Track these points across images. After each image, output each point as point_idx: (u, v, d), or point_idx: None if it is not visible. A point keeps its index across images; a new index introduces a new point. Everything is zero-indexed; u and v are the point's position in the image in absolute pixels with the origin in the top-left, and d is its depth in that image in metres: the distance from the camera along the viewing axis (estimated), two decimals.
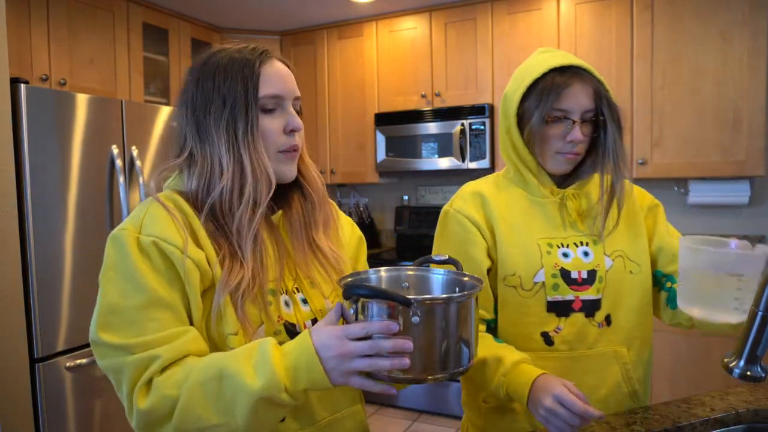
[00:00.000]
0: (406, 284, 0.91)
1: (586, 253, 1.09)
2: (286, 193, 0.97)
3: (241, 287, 0.82)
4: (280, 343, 0.80)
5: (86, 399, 2.30)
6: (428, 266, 0.96)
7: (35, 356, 2.12)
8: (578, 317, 1.07)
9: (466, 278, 0.89)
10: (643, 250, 1.12)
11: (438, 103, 3.32)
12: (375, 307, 0.73)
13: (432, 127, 3.27)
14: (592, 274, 1.08)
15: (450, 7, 3.28)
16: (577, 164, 1.12)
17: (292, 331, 0.87)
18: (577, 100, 1.04)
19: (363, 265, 1.08)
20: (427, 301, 0.74)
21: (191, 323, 0.82)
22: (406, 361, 0.71)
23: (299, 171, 0.96)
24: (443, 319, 0.75)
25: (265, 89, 0.87)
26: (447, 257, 0.96)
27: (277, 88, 0.88)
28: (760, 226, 2.96)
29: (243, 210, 0.85)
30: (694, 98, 2.74)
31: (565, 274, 1.07)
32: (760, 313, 0.75)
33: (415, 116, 3.33)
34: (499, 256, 1.10)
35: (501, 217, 1.11)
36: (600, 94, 1.05)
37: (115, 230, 0.82)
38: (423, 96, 3.35)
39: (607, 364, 1.07)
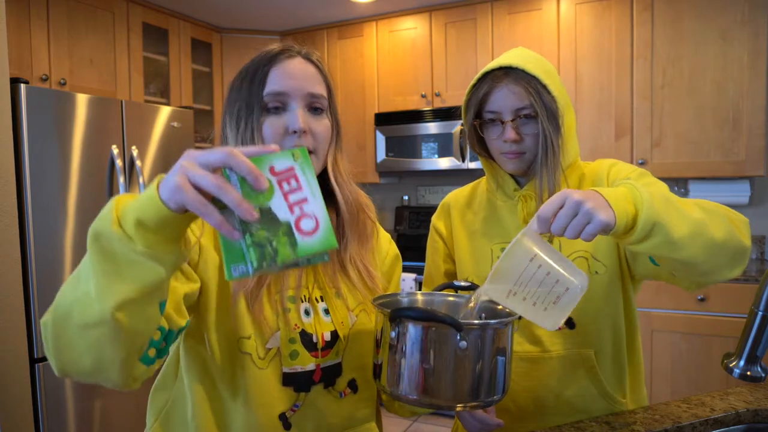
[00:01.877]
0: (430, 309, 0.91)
1: None
2: None
3: (250, 285, 0.81)
4: (293, 354, 0.83)
5: (86, 399, 2.30)
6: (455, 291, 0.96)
7: (35, 356, 2.12)
8: (528, 321, 1.06)
9: (499, 306, 0.88)
10: (610, 248, 1.04)
11: (438, 103, 3.32)
12: (420, 330, 0.72)
13: (432, 127, 3.27)
14: None
15: (450, 7, 3.28)
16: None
17: (308, 340, 0.85)
18: (503, 100, 1.02)
19: (396, 283, 1.06)
20: (478, 327, 0.74)
21: (197, 311, 0.81)
22: (255, 215, 0.56)
23: (330, 186, 0.91)
24: (490, 344, 0.74)
25: (269, 87, 0.84)
26: (470, 283, 0.96)
27: (281, 86, 0.84)
28: (760, 226, 2.96)
29: None
30: (694, 98, 2.74)
31: None
32: (760, 313, 0.75)
33: (415, 116, 3.33)
34: (456, 262, 1.16)
35: (462, 226, 1.17)
36: (530, 91, 1.01)
37: None
38: (423, 96, 3.35)
39: (572, 367, 1.04)
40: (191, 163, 0.56)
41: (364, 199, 0.97)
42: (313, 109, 0.86)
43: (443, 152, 3.25)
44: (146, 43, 3.15)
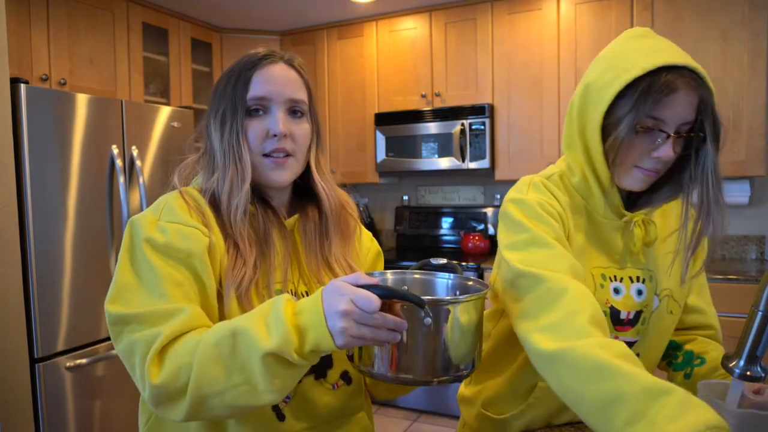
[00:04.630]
0: (405, 287, 0.91)
1: (639, 291, 0.97)
2: (304, 201, 0.98)
3: (244, 282, 0.83)
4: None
5: (86, 399, 2.30)
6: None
7: (35, 356, 2.12)
8: None
9: (470, 282, 0.88)
10: (686, 293, 1.03)
11: (438, 103, 3.32)
12: (386, 307, 0.73)
13: (432, 127, 3.27)
14: (637, 315, 0.97)
15: (450, 7, 3.28)
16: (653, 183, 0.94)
17: None
18: (678, 109, 0.85)
19: None
20: (441, 303, 0.74)
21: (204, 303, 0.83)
22: (399, 335, 0.71)
23: (313, 185, 0.96)
24: (455, 321, 0.75)
25: (252, 91, 0.88)
26: (446, 261, 0.96)
27: (264, 91, 0.88)
28: (760, 226, 2.96)
29: (227, 208, 0.87)
30: None
31: (614, 313, 0.96)
32: (760, 313, 0.75)
33: (415, 116, 3.33)
34: None
35: (569, 234, 0.97)
36: (704, 105, 0.85)
37: (136, 216, 0.85)
38: (423, 96, 3.35)
39: None
40: (353, 322, 0.68)
41: (346, 198, 1.01)
42: (294, 112, 0.91)
43: (443, 152, 3.25)
44: (146, 43, 3.15)
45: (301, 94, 0.92)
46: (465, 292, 0.88)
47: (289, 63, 0.92)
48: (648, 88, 0.84)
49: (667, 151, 0.86)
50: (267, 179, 0.90)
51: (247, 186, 0.87)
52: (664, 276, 0.99)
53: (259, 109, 0.89)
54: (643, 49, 0.88)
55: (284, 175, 0.91)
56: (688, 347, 1.05)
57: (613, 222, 0.96)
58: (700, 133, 0.87)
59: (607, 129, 0.89)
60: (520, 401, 1.04)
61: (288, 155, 0.90)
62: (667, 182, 0.95)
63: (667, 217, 1.03)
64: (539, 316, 0.82)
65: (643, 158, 0.89)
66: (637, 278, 0.98)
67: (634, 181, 0.92)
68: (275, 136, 0.88)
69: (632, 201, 0.98)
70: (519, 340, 1.04)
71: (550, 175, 1.00)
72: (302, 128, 0.92)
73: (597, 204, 0.96)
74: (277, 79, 0.89)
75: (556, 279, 0.84)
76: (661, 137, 0.86)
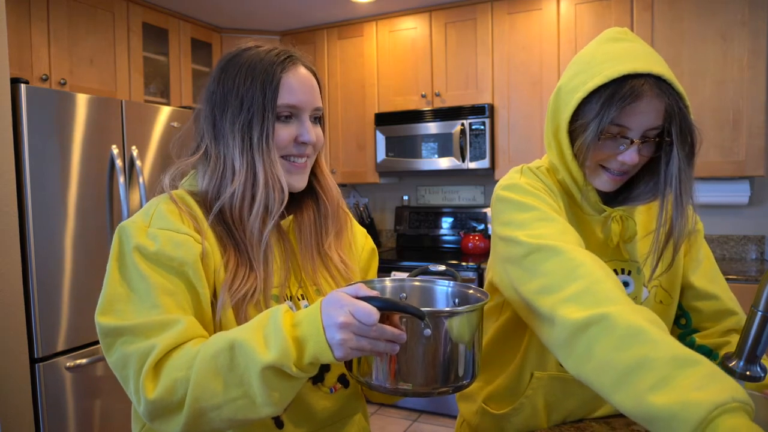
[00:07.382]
0: (404, 294, 0.91)
1: (626, 284, 0.99)
2: (299, 199, 0.97)
3: (247, 295, 0.82)
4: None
5: (86, 399, 2.30)
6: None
7: (35, 356, 2.12)
8: None
9: (471, 290, 0.88)
10: (677, 281, 1.03)
11: (438, 103, 3.32)
12: (385, 318, 0.72)
13: (432, 127, 3.27)
14: None
15: (450, 7, 3.28)
16: (629, 182, 0.97)
17: None
18: (643, 116, 0.86)
19: (373, 276, 1.07)
20: (441, 314, 0.73)
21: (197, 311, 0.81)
22: (398, 347, 0.71)
23: (316, 179, 0.96)
24: (455, 332, 0.74)
25: (283, 98, 0.86)
26: (444, 268, 0.95)
27: (296, 99, 0.87)
28: (760, 226, 2.96)
29: (254, 218, 0.85)
30: (694, 98, 2.74)
31: None
32: (760, 313, 0.75)
33: (415, 116, 3.33)
34: None
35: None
36: (671, 111, 0.86)
37: (125, 221, 0.82)
38: (423, 96, 3.35)
39: None
40: (352, 334, 0.68)
41: (339, 192, 1.01)
42: (314, 119, 0.92)
43: (443, 152, 3.25)
44: (146, 43, 3.15)
45: (321, 102, 0.92)
46: (465, 300, 0.87)
47: (310, 69, 0.91)
48: (611, 96, 0.86)
49: (632, 156, 0.89)
50: (288, 185, 0.89)
51: (284, 201, 0.86)
52: (649, 266, 0.99)
53: (290, 115, 0.87)
54: (612, 55, 0.89)
55: (304, 180, 0.91)
56: (724, 353, 1.00)
57: (593, 217, 0.99)
58: (667, 138, 0.88)
59: (574, 133, 0.92)
60: (519, 394, 1.04)
61: (306, 160, 0.91)
62: (646, 182, 0.96)
63: (651, 214, 1.04)
64: (563, 287, 0.80)
65: (610, 160, 0.92)
66: (622, 270, 1.00)
67: (601, 182, 0.95)
68: (303, 143, 0.88)
69: (613, 197, 1.00)
70: (519, 332, 1.04)
71: (539, 166, 1.03)
72: (320, 133, 0.93)
73: (577, 200, 0.99)
74: (305, 87, 0.88)
75: (571, 250, 0.84)
76: (625, 143, 0.89)
